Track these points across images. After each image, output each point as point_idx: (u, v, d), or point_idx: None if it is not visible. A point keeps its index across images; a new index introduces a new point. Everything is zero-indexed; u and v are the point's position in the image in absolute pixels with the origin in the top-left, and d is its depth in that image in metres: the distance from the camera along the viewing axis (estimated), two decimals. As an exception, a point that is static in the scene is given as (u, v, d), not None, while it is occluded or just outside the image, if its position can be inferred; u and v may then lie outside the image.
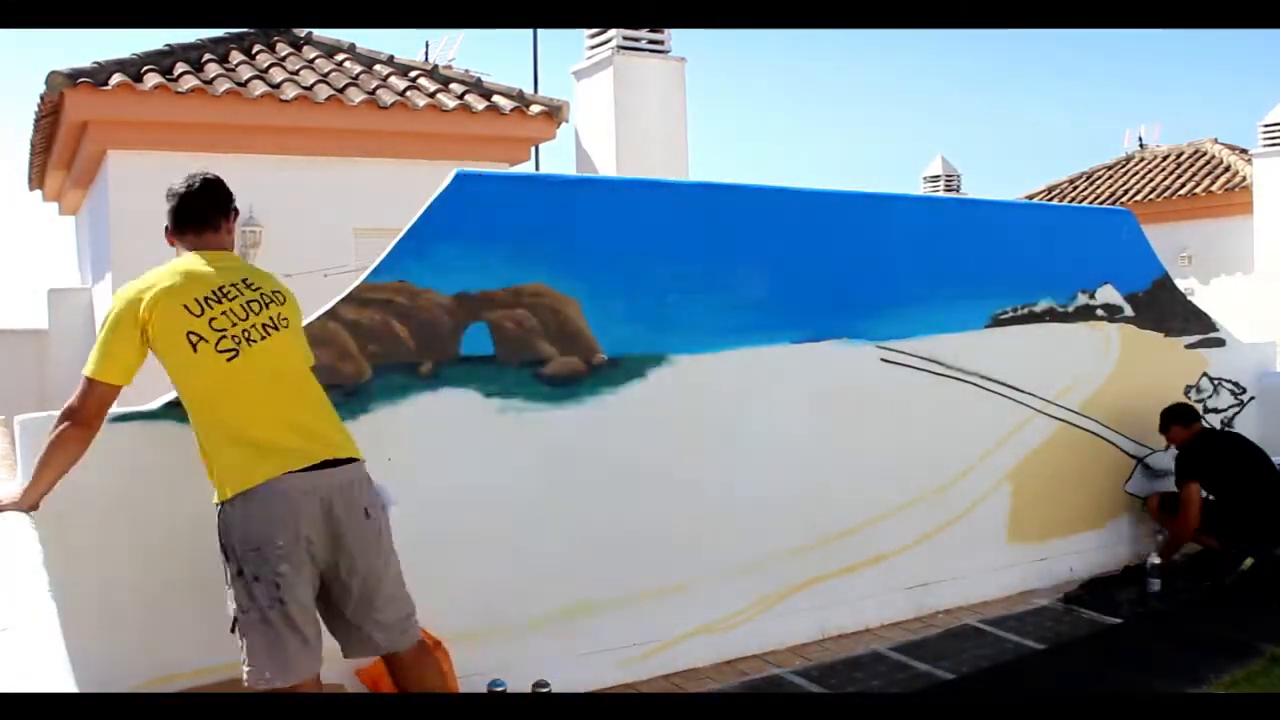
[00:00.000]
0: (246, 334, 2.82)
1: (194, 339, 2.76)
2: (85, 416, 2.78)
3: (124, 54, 8.49)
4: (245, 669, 2.76)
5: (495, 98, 9.56)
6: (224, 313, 2.81)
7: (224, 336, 2.79)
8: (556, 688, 3.68)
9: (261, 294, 2.92)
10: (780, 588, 4.44)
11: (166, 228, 3.10)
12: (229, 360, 2.78)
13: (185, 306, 2.78)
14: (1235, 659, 4.29)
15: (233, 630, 2.78)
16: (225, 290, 2.85)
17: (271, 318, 2.89)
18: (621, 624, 4.05)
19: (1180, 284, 6.44)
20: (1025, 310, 5.26)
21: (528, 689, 3.64)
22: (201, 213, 3.04)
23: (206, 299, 2.81)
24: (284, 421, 2.81)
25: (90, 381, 2.78)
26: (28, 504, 2.81)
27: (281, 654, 2.73)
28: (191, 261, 2.92)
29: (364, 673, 3.51)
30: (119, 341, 2.79)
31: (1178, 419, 5.53)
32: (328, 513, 2.79)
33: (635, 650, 4.04)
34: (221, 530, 2.78)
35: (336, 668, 3.50)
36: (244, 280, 2.92)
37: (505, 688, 3.58)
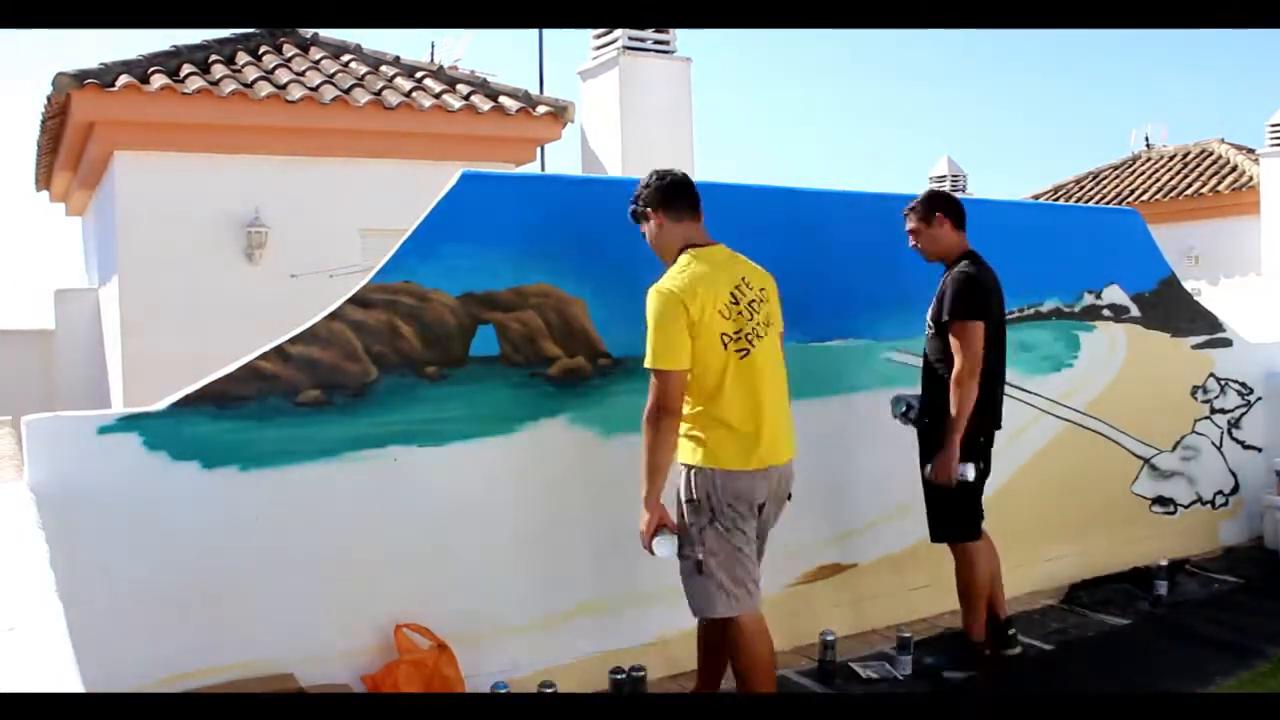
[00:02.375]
0: (753, 333, 3.29)
1: (725, 340, 3.23)
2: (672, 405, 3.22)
3: (130, 55, 8.51)
4: (716, 599, 3.29)
5: (501, 98, 9.56)
6: (739, 313, 3.26)
7: (739, 337, 3.26)
8: (561, 688, 3.68)
9: (759, 293, 3.35)
10: (782, 588, 4.44)
11: (643, 209, 3.44)
12: (742, 359, 3.26)
13: (720, 312, 3.22)
14: (1242, 661, 4.28)
15: (699, 571, 3.29)
16: (738, 291, 3.29)
17: (766, 318, 3.36)
18: (626, 625, 4.05)
19: (1188, 284, 6.42)
20: (1031, 310, 5.25)
21: (533, 690, 3.64)
22: (695, 201, 3.43)
23: (730, 302, 3.25)
24: (769, 420, 3.32)
25: (662, 373, 3.19)
26: (652, 508, 3.29)
27: (746, 583, 3.31)
28: (705, 265, 3.28)
29: (367, 678, 3.52)
30: (678, 333, 3.18)
31: (946, 210, 4.19)
32: (774, 491, 3.39)
33: (638, 650, 4.04)
34: (696, 486, 3.28)
35: (338, 668, 3.52)
36: (744, 279, 3.33)
37: (507, 689, 3.59)
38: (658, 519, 3.29)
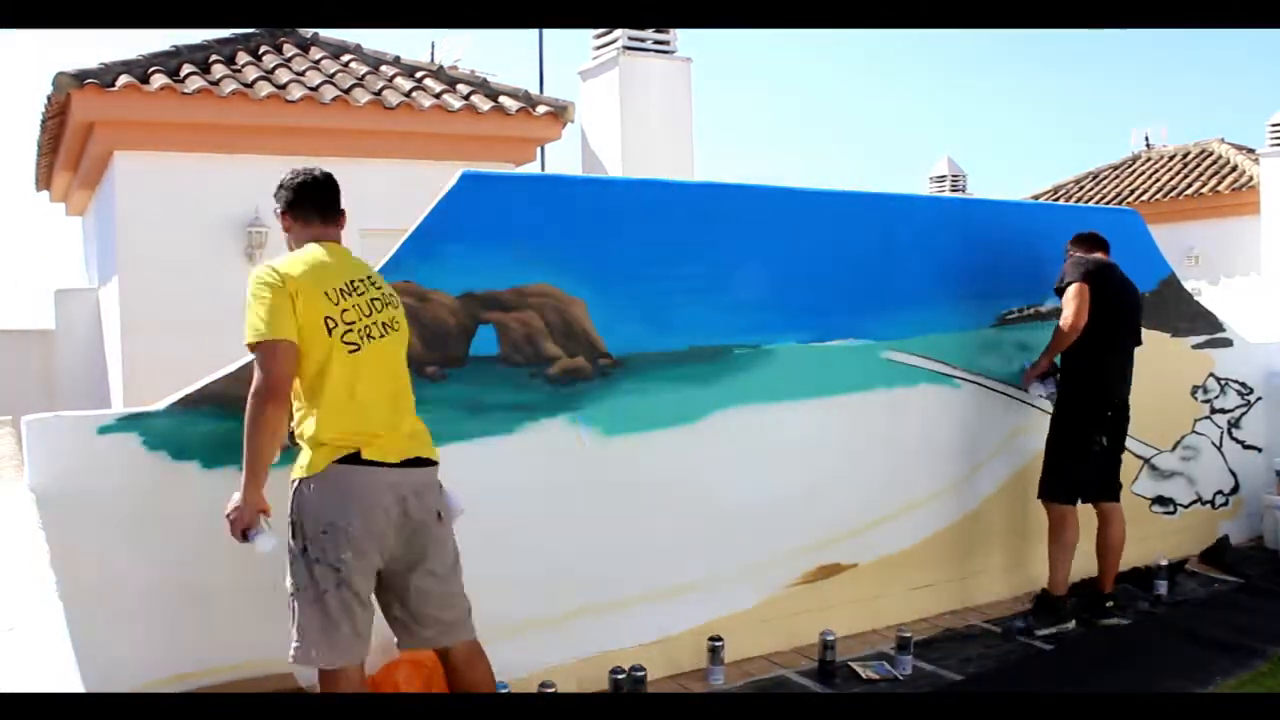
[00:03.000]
0: (368, 330, 2.95)
1: (330, 324, 2.87)
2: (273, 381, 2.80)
3: (130, 55, 8.51)
4: (293, 646, 2.86)
5: (501, 98, 9.56)
6: (354, 306, 2.94)
7: (350, 329, 2.90)
8: (561, 688, 3.68)
9: (383, 293, 3.05)
10: (783, 588, 4.44)
11: (280, 210, 3.18)
12: (351, 352, 2.89)
13: (325, 294, 2.89)
14: (1242, 661, 4.28)
15: (290, 606, 2.88)
16: (355, 285, 2.98)
17: (388, 319, 3.03)
18: (626, 625, 4.05)
19: (1188, 284, 6.42)
20: (1031, 310, 5.25)
21: (533, 690, 3.64)
22: (327, 203, 3.19)
23: (341, 290, 2.93)
24: (385, 418, 2.94)
25: (266, 343, 2.79)
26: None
27: (332, 635, 2.83)
28: (323, 252, 3.01)
29: (369, 679, 3.51)
30: (280, 308, 2.81)
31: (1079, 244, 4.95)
32: (403, 509, 2.91)
33: (639, 651, 4.04)
34: (294, 508, 2.87)
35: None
36: (368, 278, 3.04)
37: (508, 689, 3.59)
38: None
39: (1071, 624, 4.69)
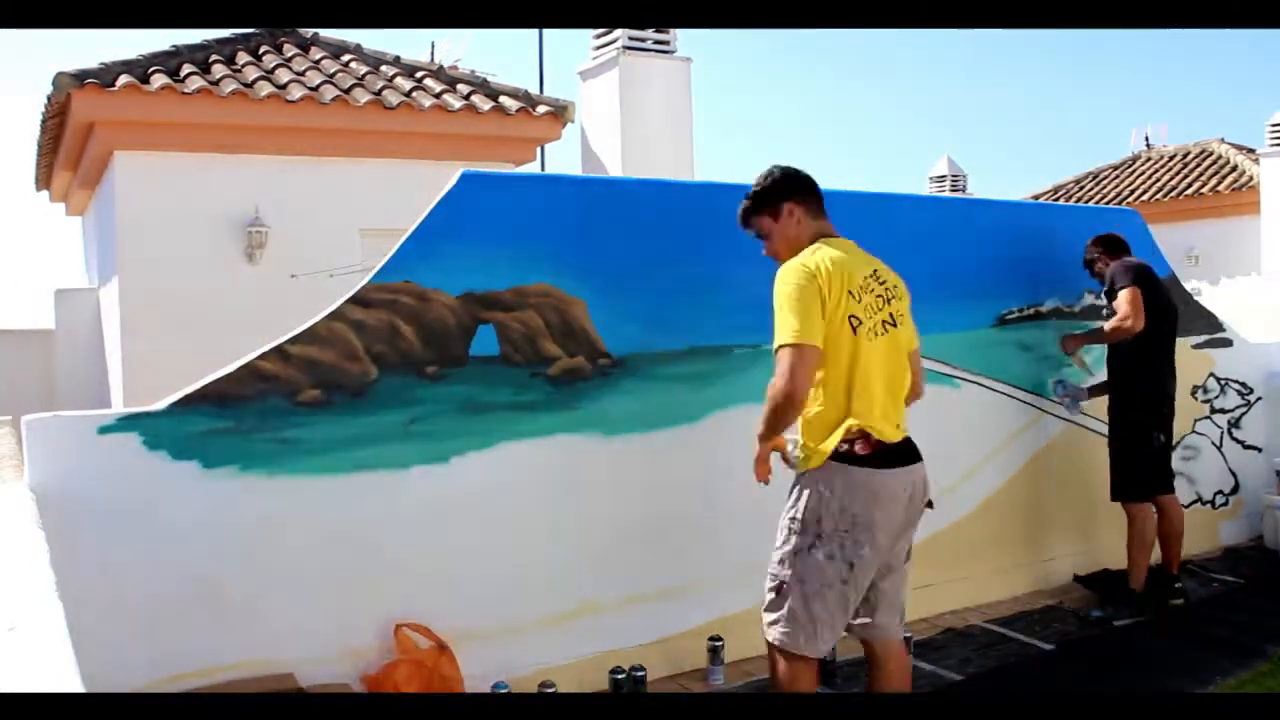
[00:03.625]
0: (882, 324, 3.00)
1: (854, 322, 2.93)
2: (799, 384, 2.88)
3: (130, 55, 8.50)
4: (781, 632, 2.97)
5: (501, 98, 9.56)
6: (869, 301, 2.98)
7: (868, 324, 2.96)
8: (561, 688, 3.68)
9: (887, 287, 3.07)
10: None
11: (769, 201, 3.18)
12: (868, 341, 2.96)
13: (850, 292, 2.94)
14: (1243, 661, 4.28)
15: (778, 592, 2.99)
16: (868, 281, 3.02)
17: (895, 311, 3.07)
18: (626, 625, 4.05)
19: (1188, 284, 6.42)
20: (1031, 310, 5.25)
21: (533, 690, 3.64)
22: (820, 195, 3.20)
23: (860, 287, 2.97)
24: (894, 416, 3.05)
25: (797, 347, 2.86)
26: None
27: (830, 631, 2.97)
28: (838, 247, 3.05)
29: (367, 678, 3.52)
30: (813, 310, 2.88)
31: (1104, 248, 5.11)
32: (908, 503, 3.05)
33: (639, 651, 4.04)
34: (810, 500, 2.95)
35: (338, 668, 3.52)
36: (874, 272, 3.07)
37: (508, 689, 3.59)
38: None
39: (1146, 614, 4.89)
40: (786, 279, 2.95)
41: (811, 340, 2.86)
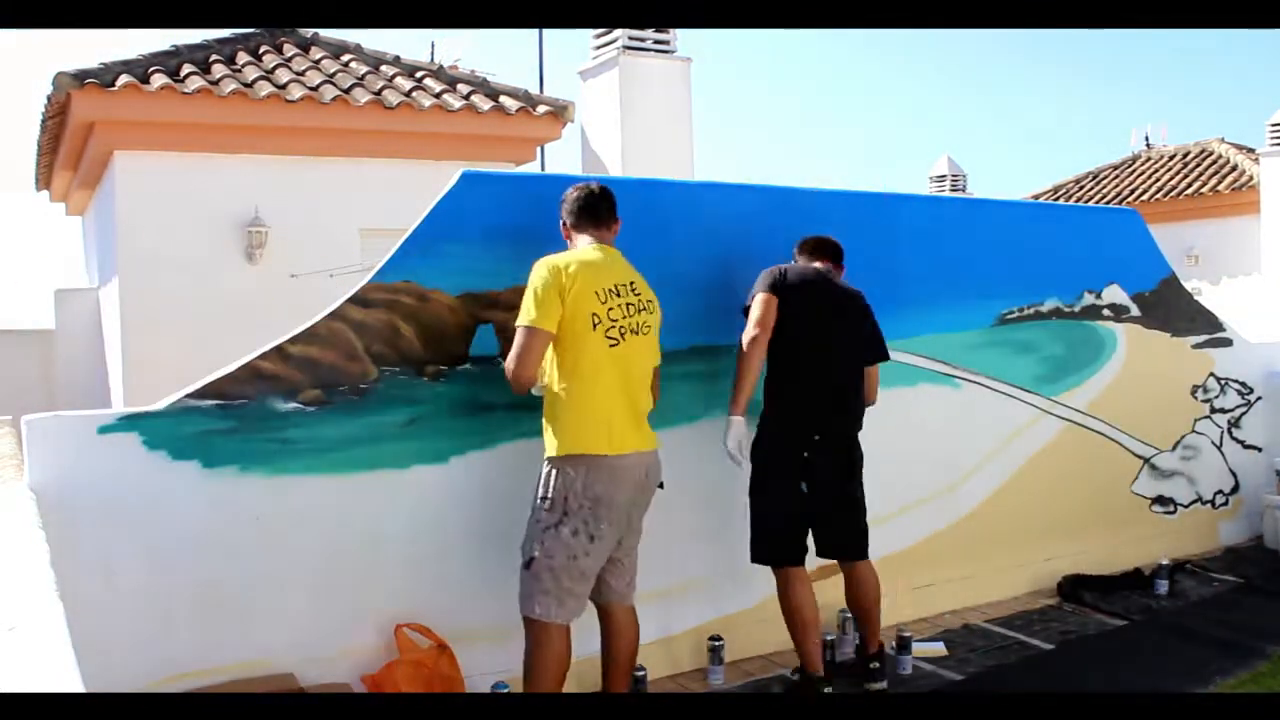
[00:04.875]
0: (625, 330, 3.35)
1: (595, 320, 3.28)
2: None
3: (130, 55, 8.51)
4: (536, 605, 3.28)
5: (501, 98, 9.56)
6: (617, 306, 3.34)
7: (613, 326, 3.31)
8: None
9: (640, 299, 3.42)
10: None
11: (564, 223, 3.56)
12: (611, 347, 3.31)
13: (595, 292, 3.29)
14: (1242, 660, 4.28)
15: (527, 567, 3.31)
16: (619, 288, 3.36)
17: (642, 323, 3.42)
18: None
19: (1188, 284, 6.42)
20: (1031, 310, 5.25)
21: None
22: (607, 212, 3.53)
23: (609, 291, 3.32)
24: (634, 411, 3.40)
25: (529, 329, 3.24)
26: None
27: (573, 601, 3.31)
28: (594, 253, 3.40)
29: (367, 678, 3.52)
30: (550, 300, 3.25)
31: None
32: (643, 483, 3.42)
33: (639, 650, 4.03)
34: (553, 483, 3.28)
35: (338, 668, 3.52)
36: (630, 284, 3.41)
37: (507, 689, 3.59)
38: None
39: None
40: (536, 270, 3.32)
41: (543, 325, 3.23)
